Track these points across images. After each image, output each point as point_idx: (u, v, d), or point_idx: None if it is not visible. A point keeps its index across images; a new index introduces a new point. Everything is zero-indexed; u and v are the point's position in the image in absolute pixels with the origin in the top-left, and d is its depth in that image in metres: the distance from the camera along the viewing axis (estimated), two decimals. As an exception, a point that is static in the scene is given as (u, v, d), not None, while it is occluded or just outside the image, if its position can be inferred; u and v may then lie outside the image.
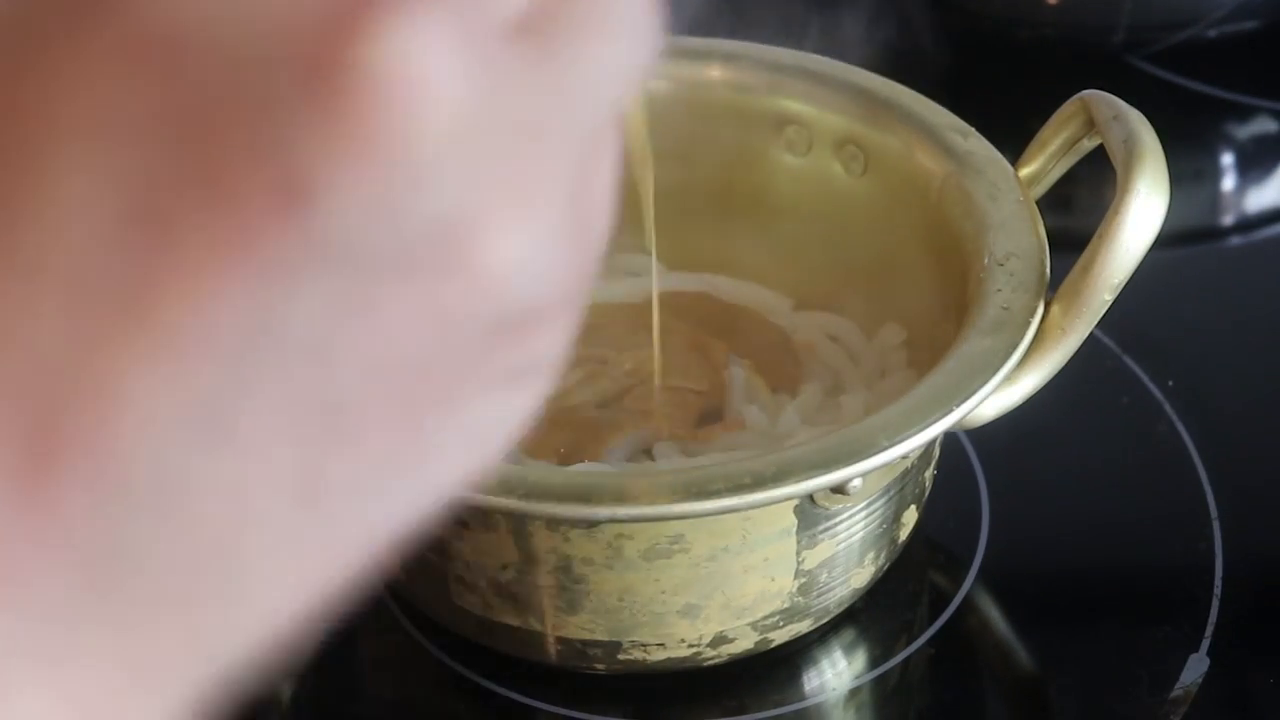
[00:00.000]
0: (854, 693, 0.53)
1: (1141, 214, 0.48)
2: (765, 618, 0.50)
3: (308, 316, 0.20)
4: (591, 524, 0.46)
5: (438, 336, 0.22)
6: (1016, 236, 0.51)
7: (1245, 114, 0.79)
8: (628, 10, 0.23)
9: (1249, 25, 0.80)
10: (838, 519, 0.49)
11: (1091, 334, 0.49)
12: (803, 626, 0.52)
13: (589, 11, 0.23)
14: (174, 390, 0.20)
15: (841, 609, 0.53)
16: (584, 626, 0.49)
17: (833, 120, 0.59)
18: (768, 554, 0.48)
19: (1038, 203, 0.53)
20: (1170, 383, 0.63)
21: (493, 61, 0.21)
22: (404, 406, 0.22)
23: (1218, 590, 0.55)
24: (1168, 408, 0.62)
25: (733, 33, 0.61)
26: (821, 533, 0.49)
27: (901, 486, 0.51)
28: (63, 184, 0.19)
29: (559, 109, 0.22)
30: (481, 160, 0.21)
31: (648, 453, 0.55)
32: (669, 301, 0.56)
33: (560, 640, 0.50)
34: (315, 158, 0.19)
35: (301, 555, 0.22)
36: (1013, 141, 0.55)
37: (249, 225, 0.19)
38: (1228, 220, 0.76)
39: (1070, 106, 0.53)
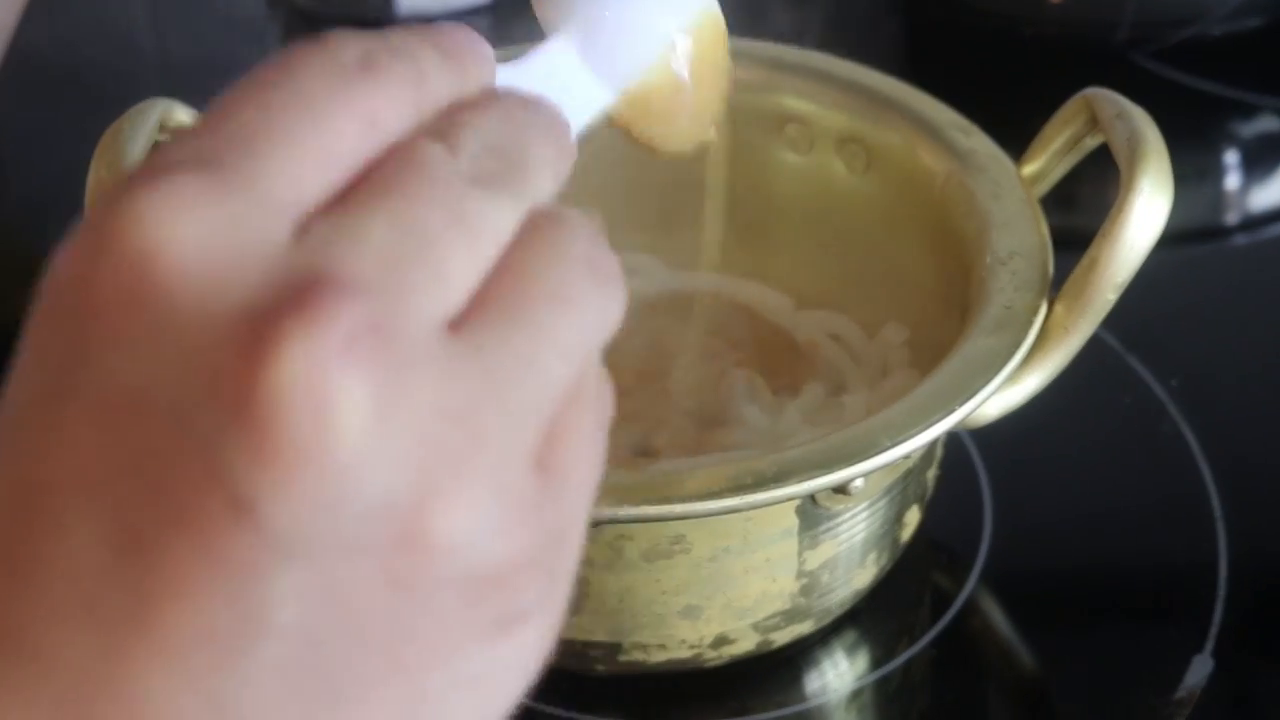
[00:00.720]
0: (856, 694, 0.53)
1: (1145, 212, 0.48)
2: (767, 619, 0.50)
3: (283, 603, 0.23)
4: (592, 524, 0.46)
5: (411, 602, 0.24)
6: (1019, 235, 0.51)
7: (1249, 112, 0.79)
8: (581, 278, 0.27)
9: (1253, 23, 0.80)
10: (839, 519, 0.49)
11: (1095, 333, 0.49)
12: (804, 627, 0.51)
13: (536, 290, 0.26)
14: (185, 682, 0.23)
15: (843, 610, 0.53)
16: (584, 628, 0.49)
17: (834, 118, 0.58)
18: (769, 554, 0.48)
19: (1041, 201, 0.53)
20: (1174, 382, 0.63)
21: (414, 358, 0.24)
22: (398, 668, 0.25)
23: (1222, 591, 0.55)
24: (1171, 407, 0.62)
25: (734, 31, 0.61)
26: (823, 533, 0.48)
27: (904, 487, 0.51)
28: (68, 532, 0.23)
29: (496, 390, 0.25)
30: (410, 448, 0.24)
31: (648, 453, 0.54)
32: (668, 301, 0.56)
33: (560, 642, 0.49)
34: (249, 473, 0.23)
35: None
36: (1016, 139, 0.55)
37: (212, 541, 0.23)
38: (1232, 219, 0.76)
39: (1073, 104, 0.53)
